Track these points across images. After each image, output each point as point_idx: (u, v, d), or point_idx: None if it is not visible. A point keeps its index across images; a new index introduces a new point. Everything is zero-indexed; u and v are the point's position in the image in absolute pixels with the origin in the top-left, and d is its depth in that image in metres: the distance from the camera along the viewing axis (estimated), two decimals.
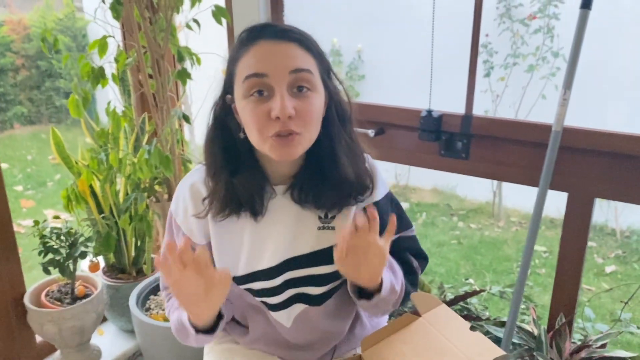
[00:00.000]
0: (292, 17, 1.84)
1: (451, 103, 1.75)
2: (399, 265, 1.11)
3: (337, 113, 0.99)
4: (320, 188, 0.99)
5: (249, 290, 1.05)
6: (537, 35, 3.68)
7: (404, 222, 1.13)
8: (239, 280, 1.04)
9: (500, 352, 0.92)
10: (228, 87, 0.97)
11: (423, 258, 1.18)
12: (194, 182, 1.03)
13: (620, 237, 3.71)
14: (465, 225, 3.97)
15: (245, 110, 0.92)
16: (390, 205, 1.09)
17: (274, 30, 0.92)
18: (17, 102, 5.81)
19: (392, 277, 1.03)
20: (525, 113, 3.77)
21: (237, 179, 0.97)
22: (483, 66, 3.83)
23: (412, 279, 1.13)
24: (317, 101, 0.93)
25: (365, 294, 1.02)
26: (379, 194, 1.06)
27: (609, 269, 3.39)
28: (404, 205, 4.20)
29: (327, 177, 0.98)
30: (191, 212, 1.02)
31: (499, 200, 4.04)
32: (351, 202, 1.02)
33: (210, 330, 1.02)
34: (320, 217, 1.02)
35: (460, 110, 1.53)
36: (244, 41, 0.93)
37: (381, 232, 1.06)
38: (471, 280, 3.24)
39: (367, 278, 0.96)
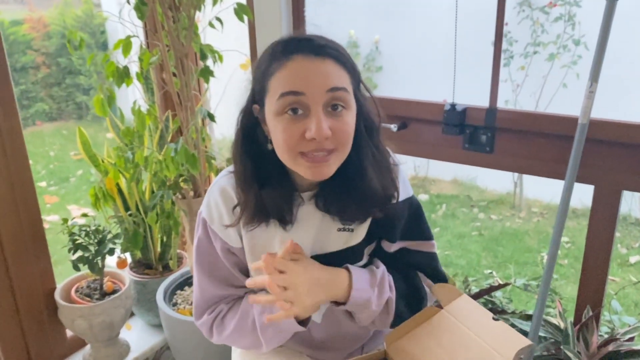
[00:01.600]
0: (311, 10, 1.84)
1: (472, 95, 1.74)
2: (402, 283, 1.07)
3: (365, 125, 0.97)
4: (345, 200, 0.98)
5: None
6: (557, 23, 3.63)
7: (417, 230, 1.10)
8: None
9: (526, 341, 0.92)
10: (258, 98, 0.95)
11: (440, 280, 1.11)
12: (224, 187, 1.03)
13: None
14: (486, 217, 3.95)
15: (277, 128, 0.91)
16: (407, 208, 1.07)
17: (311, 46, 0.89)
18: (38, 99, 5.89)
19: (372, 295, 1.00)
20: (546, 103, 3.73)
21: (267, 190, 0.97)
22: (502, 55, 3.78)
23: (412, 303, 1.07)
24: (352, 119, 0.93)
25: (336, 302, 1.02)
26: (399, 197, 1.04)
27: (633, 259, 3.35)
28: (423, 197, 4.19)
29: (353, 190, 0.97)
30: (226, 221, 1.02)
31: (520, 190, 4.01)
32: (375, 214, 1.01)
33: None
34: (342, 220, 1.02)
35: (481, 102, 1.52)
36: (279, 55, 0.90)
37: (390, 234, 1.07)
38: (493, 272, 3.25)
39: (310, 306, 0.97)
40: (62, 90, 5.93)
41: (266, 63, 0.92)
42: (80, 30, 5.80)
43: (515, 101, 3.84)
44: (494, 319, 0.97)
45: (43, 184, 4.60)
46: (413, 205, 1.08)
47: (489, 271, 3.24)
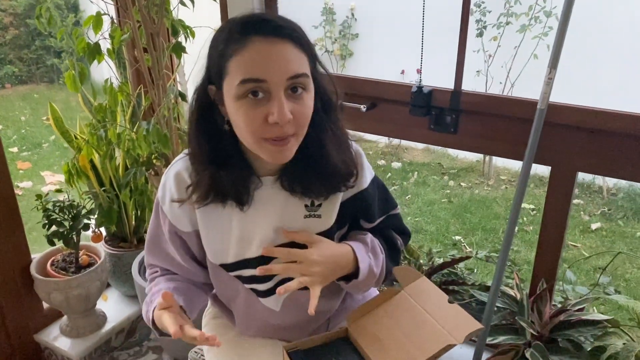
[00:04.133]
0: None
1: (444, 69, 1.76)
2: (384, 243, 1.15)
3: (322, 103, 0.98)
4: (309, 178, 1.00)
5: (239, 277, 1.09)
6: None
7: (388, 204, 1.18)
8: (229, 267, 1.08)
9: (477, 325, 0.99)
10: (215, 78, 0.94)
11: (406, 235, 1.24)
12: (179, 171, 1.03)
13: (606, 195, 3.81)
14: (455, 184, 4.05)
15: (238, 112, 0.90)
16: (376, 189, 1.13)
17: (269, 27, 0.88)
18: (7, 61, 5.75)
19: (371, 261, 1.07)
20: (516, 72, 3.80)
21: (223, 171, 0.97)
22: (475, 25, 3.82)
23: (394, 256, 1.18)
24: (310, 101, 0.94)
25: (342, 277, 1.07)
26: (365, 181, 1.09)
27: (594, 225, 3.49)
28: (396, 165, 4.27)
29: (315, 167, 0.99)
30: (173, 197, 1.03)
31: (490, 159, 4.11)
32: (340, 189, 1.05)
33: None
34: (306, 206, 1.04)
35: (452, 71, 1.55)
36: (236, 36, 0.89)
37: (368, 215, 1.13)
38: (460, 238, 3.36)
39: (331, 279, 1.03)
40: (31, 52, 5.79)
41: (223, 43, 0.90)
42: None
43: (487, 71, 3.90)
44: (449, 301, 1.04)
45: (15, 149, 4.55)
46: (379, 184, 1.14)
47: (458, 237, 3.36)
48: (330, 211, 1.06)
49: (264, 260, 1.04)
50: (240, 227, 1.04)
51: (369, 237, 1.12)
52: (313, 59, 0.95)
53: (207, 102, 0.97)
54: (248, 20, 0.90)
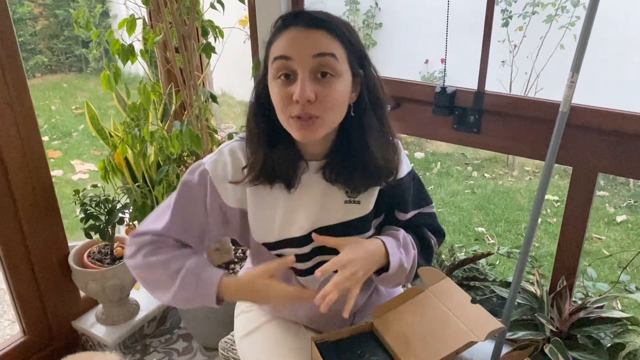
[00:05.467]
0: None
1: (469, 59, 1.76)
2: (416, 240, 1.20)
3: (369, 99, 1.04)
4: (350, 171, 1.07)
5: (280, 256, 1.15)
6: None
7: (423, 198, 1.23)
8: (272, 246, 1.14)
9: (498, 324, 1.03)
10: (265, 67, 1.03)
11: (441, 234, 1.28)
12: (234, 150, 1.10)
13: (633, 187, 3.78)
14: (479, 175, 4.05)
15: (273, 91, 1.00)
16: (412, 181, 1.18)
17: (306, 18, 0.98)
18: (37, 51, 5.88)
19: (402, 256, 1.13)
20: (542, 63, 3.77)
21: (274, 153, 1.05)
22: (501, 15, 3.80)
23: (427, 255, 1.22)
24: (340, 87, 0.98)
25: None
26: (402, 172, 1.14)
27: (619, 218, 3.47)
28: (419, 155, 4.29)
29: (357, 163, 1.06)
30: (230, 177, 1.08)
31: None
32: (379, 184, 1.11)
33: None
34: (346, 192, 1.11)
35: (476, 64, 1.57)
36: (279, 27, 1.00)
37: (402, 205, 1.18)
38: (483, 229, 3.37)
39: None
40: (61, 42, 5.91)
41: (270, 35, 1.02)
42: None
43: (512, 61, 3.88)
44: (472, 301, 1.09)
45: (45, 138, 4.66)
46: (415, 177, 1.20)
47: (481, 229, 3.37)
48: (369, 197, 1.12)
49: (305, 240, 1.11)
50: (285, 207, 1.10)
51: (402, 233, 1.16)
52: (356, 52, 1.02)
53: (263, 88, 1.04)
54: (289, 14, 1.01)
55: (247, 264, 1.34)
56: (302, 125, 0.98)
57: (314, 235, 1.10)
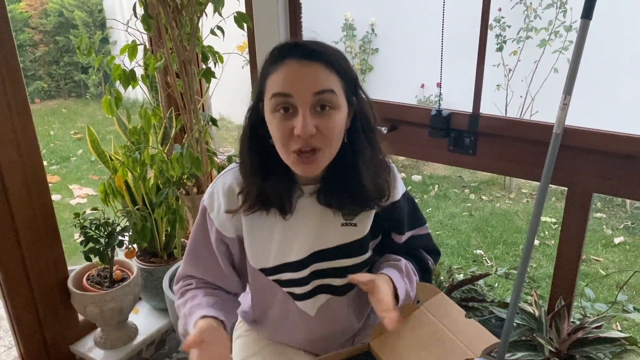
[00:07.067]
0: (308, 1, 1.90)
1: (464, 83, 1.79)
2: (416, 265, 1.21)
3: (361, 125, 1.05)
4: (342, 196, 1.08)
5: (277, 281, 1.15)
6: (549, 10, 3.70)
7: (417, 219, 1.24)
8: (269, 271, 1.14)
9: (494, 339, 1.04)
10: (259, 98, 1.04)
11: (436, 254, 1.29)
12: (229, 183, 1.11)
13: (630, 208, 3.80)
14: (476, 197, 4.07)
15: (272, 124, 1.00)
16: (406, 202, 1.20)
17: (302, 51, 0.98)
18: (36, 77, 5.94)
19: (407, 285, 1.13)
20: (537, 86, 3.83)
21: (269, 181, 1.06)
22: (495, 40, 3.87)
23: (426, 277, 1.23)
24: (339, 118, 1.00)
25: None
26: (397, 194, 1.15)
27: (617, 239, 3.48)
28: (417, 178, 4.31)
29: (348, 187, 1.07)
30: (224, 208, 1.11)
31: None
32: (372, 207, 1.12)
33: None
34: (343, 215, 1.12)
35: (470, 87, 1.61)
36: (275, 58, 1.00)
37: (398, 227, 1.19)
38: (481, 252, 3.37)
39: None
40: (60, 68, 5.97)
41: (265, 66, 1.02)
42: (78, 9, 5.81)
43: (507, 85, 3.93)
44: (466, 316, 1.10)
45: (44, 163, 4.67)
46: (410, 199, 1.22)
47: (479, 251, 3.38)
48: (365, 220, 1.13)
49: (302, 264, 1.12)
50: (282, 233, 1.11)
51: (403, 262, 1.17)
52: (350, 83, 1.03)
53: (257, 119, 1.06)
54: (285, 45, 1.02)
55: (247, 289, 1.34)
56: (304, 161, 1.00)
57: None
